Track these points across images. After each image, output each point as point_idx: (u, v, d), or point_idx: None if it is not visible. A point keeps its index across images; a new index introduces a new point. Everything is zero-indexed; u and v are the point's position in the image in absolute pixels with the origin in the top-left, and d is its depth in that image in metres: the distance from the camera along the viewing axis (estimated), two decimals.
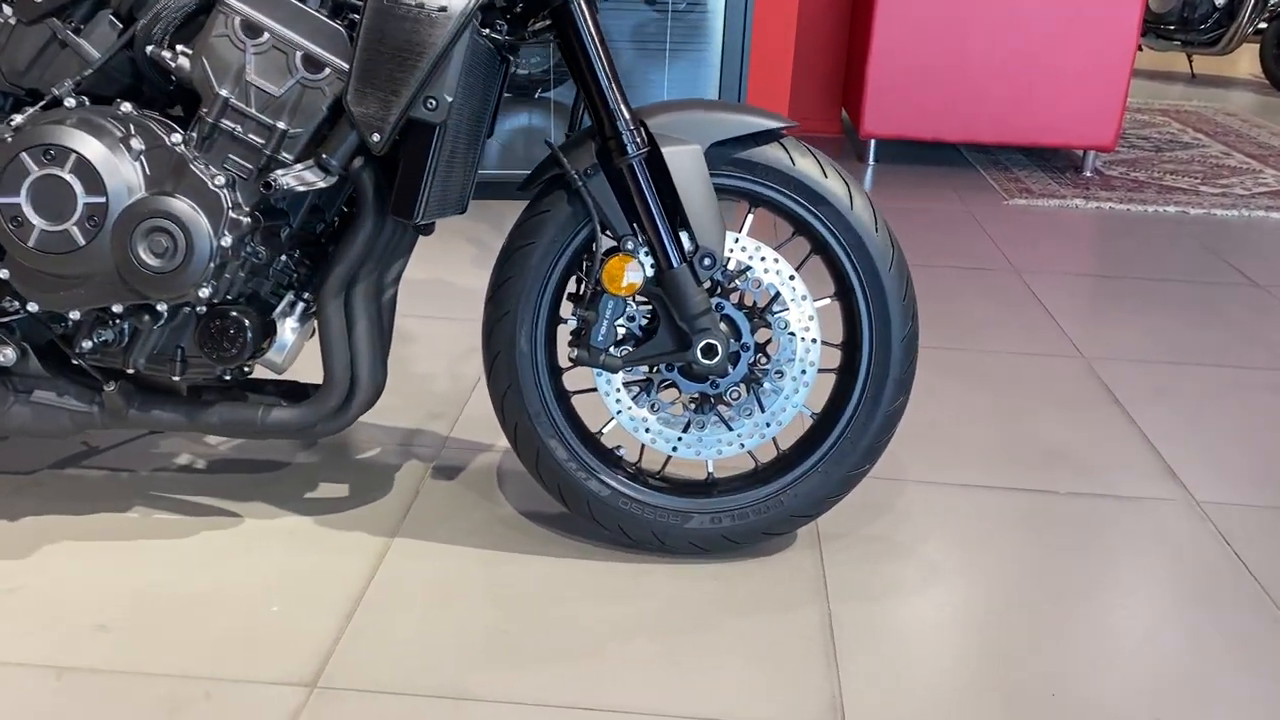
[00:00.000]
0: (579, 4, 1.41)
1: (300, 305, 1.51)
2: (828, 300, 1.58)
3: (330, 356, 1.47)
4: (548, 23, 1.45)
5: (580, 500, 1.57)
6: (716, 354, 1.48)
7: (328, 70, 1.33)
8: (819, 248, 1.54)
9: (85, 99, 1.35)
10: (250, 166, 1.35)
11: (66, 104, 1.34)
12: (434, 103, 1.31)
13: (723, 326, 1.52)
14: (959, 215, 3.64)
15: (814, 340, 1.54)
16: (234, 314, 1.40)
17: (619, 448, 1.62)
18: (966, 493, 1.84)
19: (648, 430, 1.56)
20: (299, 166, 1.34)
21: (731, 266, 1.52)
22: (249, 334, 1.40)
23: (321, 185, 1.34)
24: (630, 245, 1.46)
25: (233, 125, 1.34)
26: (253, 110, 1.33)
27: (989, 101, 4.08)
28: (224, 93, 1.33)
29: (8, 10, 1.35)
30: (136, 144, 1.33)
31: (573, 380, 1.66)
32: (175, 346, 1.45)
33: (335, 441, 1.91)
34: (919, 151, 4.57)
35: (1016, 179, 4.15)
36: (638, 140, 1.43)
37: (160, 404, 1.50)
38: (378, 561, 1.56)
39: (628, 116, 1.43)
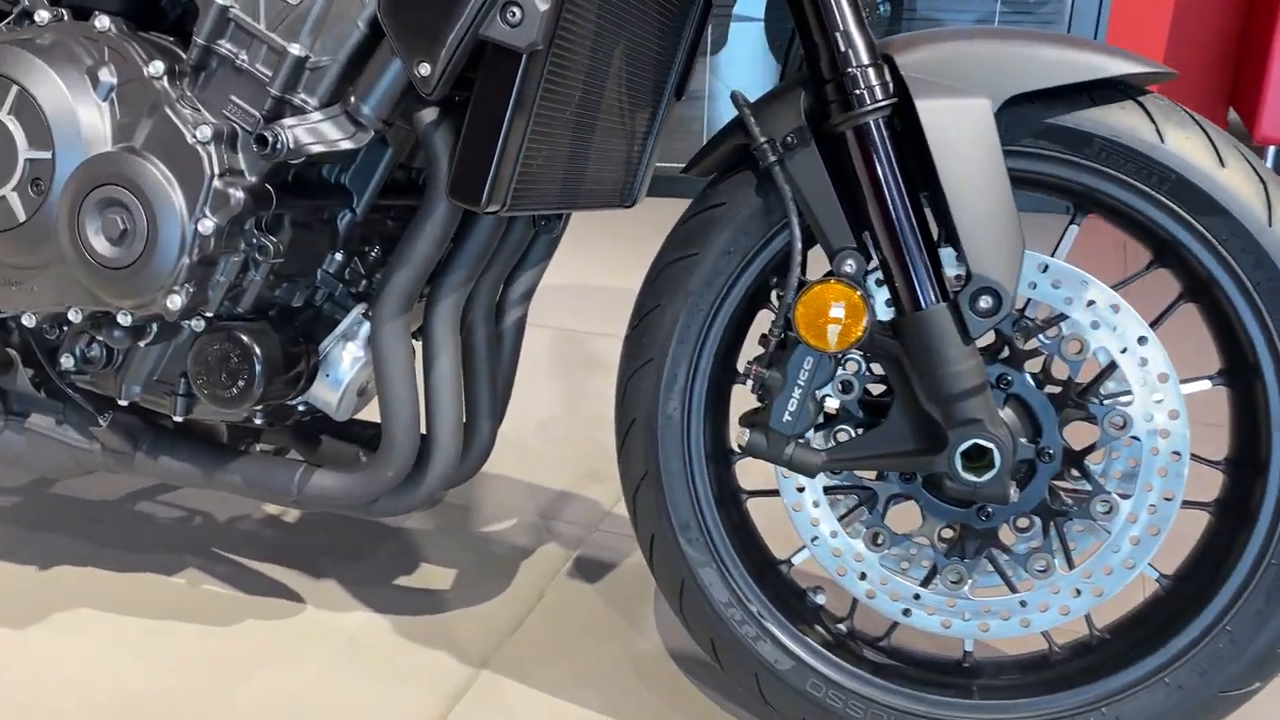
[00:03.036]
0: None
1: (369, 324, 1.04)
2: (1207, 384, 0.90)
3: (387, 405, 0.99)
4: None
5: (744, 669, 0.99)
6: (992, 465, 0.85)
7: None
8: (1198, 290, 0.87)
9: (64, 11, 0.94)
10: (256, 114, 0.88)
11: (38, 17, 0.94)
12: (516, 13, 0.78)
13: (1008, 415, 0.88)
14: None
15: (1176, 453, 0.86)
16: (241, 336, 0.94)
17: (817, 590, 1.02)
18: None
19: (864, 576, 0.95)
20: (317, 115, 0.86)
21: (1032, 313, 0.89)
22: (258, 366, 0.94)
23: (348, 145, 0.85)
24: (850, 266, 0.86)
25: (234, 50, 0.88)
26: (261, 27, 0.87)
27: None
28: None
29: None
30: (107, 76, 0.89)
31: (750, 474, 1.07)
32: (179, 374, 1.02)
33: (465, 500, 1.44)
34: None
35: None
36: (876, 86, 0.83)
37: (173, 449, 1.08)
38: (445, 709, 1.06)
39: (862, 47, 0.83)
